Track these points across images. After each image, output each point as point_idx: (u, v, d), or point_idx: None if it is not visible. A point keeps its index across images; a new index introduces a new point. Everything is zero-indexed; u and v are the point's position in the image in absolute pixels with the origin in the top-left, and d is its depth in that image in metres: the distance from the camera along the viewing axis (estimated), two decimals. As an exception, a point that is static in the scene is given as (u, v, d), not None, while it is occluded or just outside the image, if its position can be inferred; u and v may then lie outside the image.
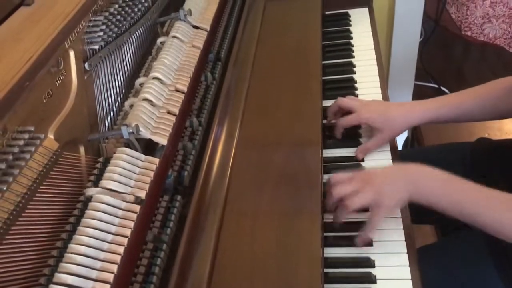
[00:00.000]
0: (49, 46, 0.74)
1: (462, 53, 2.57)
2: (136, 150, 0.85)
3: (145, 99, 0.90)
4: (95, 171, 0.80)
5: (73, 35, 0.80)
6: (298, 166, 0.97)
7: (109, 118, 0.94)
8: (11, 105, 0.64)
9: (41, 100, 0.72)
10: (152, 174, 0.80)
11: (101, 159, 0.82)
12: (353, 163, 1.05)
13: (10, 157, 0.62)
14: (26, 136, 0.65)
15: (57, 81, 0.76)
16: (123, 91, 1.00)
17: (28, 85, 0.67)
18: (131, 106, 0.91)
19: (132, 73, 1.04)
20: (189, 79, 1.02)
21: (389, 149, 1.07)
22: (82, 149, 0.83)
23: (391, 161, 1.06)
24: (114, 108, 0.96)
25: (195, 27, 1.18)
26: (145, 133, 0.86)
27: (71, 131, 0.79)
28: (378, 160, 1.06)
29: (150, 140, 0.86)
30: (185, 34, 1.13)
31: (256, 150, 1.02)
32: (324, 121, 1.11)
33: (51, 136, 0.74)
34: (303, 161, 0.98)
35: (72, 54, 0.80)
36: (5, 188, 0.60)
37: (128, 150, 0.80)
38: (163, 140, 0.87)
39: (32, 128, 0.66)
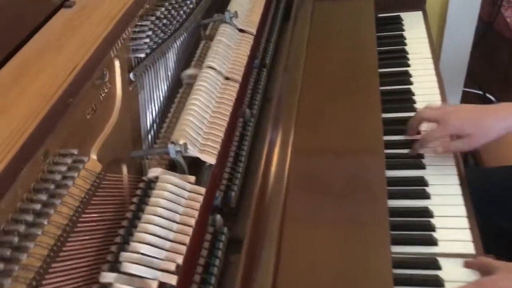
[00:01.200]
0: (94, 55, 0.67)
1: (509, 59, 2.43)
2: (183, 169, 0.78)
3: (196, 101, 0.83)
4: (139, 192, 0.73)
5: (119, 42, 0.72)
6: (360, 178, 0.89)
7: (152, 132, 0.86)
8: (54, 125, 0.56)
9: (84, 116, 0.64)
10: (200, 200, 0.72)
11: (145, 178, 0.74)
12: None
13: (52, 186, 0.54)
14: (69, 160, 0.57)
15: (101, 95, 0.69)
16: (166, 101, 0.92)
17: (72, 102, 0.59)
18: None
19: (176, 82, 0.96)
20: (237, 86, 0.94)
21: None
22: (124, 168, 0.75)
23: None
24: (157, 120, 0.88)
25: (241, 30, 1.10)
26: (192, 151, 0.78)
27: (114, 149, 0.71)
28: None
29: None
30: (231, 38, 1.05)
31: (312, 161, 0.94)
32: (401, 137, 1.02)
33: (94, 156, 0.66)
34: (365, 173, 0.89)
35: (117, 64, 0.72)
36: (46, 223, 0.52)
37: (173, 179, 0.72)
38: (211, 159, 0.79)
39: (75, 151, 0.58)
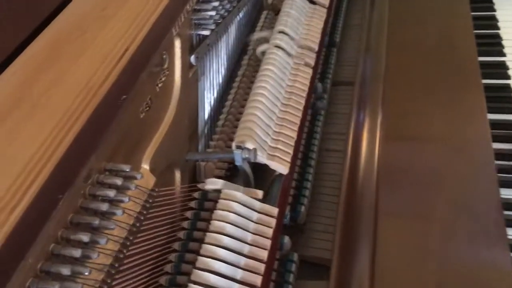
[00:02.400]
0: (152, 32, 0.50)
1: None
2: (248, 180, 0.62)
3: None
4: (193, 204, 0.58)
5: (182, 16, 0.55)
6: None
7: (207, 125, 0.70)
8: (101, 135, 0.41)
9: (137, 115, 0.49)
10: (272, 224, 0.57)
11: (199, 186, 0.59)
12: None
13: (96, 222, 0.39)
14: (119, 181, 0.42)
15: (157, 85, 0.53)
16: (224, 86, 0.76)
17: (125, 99, 0.44)
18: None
19: (235, 63, 0.79)
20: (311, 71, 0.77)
21: None
22: (177, 175, 0.60)
23: None
24: (214, 110, 0.72)
25: (311, 1, 0.92)
26: (261, 158, 0.63)
27: (169, 153, 0.56)
28: None
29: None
30: (300, 10, 0.88)
31: (406, 151, 0.78)
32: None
33: (146, 166, 0.51)
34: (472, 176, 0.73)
35: (177, 44, 0.56)
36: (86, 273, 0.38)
37: (239, 196, 0.56)
38: (283, 168, 0.64)
39: (127, 168, 0.43)
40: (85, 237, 0.37)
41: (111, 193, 0.41)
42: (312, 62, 0.79)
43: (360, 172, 0.74)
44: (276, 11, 0.97)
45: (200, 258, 0.50)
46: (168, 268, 0.52)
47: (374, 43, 0.90)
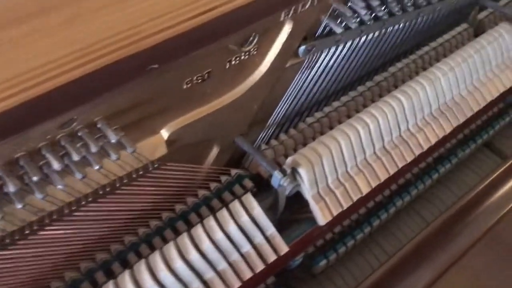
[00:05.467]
0: (251, 7, 0.40)
1: None
2: (276, 207, 0.53)
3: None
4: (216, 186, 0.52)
5: (307, 2, 0.43)
6: None
7: (279, 122, 0.59)
8: (100, 89, 0.35)
9: (178, 84, 0.41)
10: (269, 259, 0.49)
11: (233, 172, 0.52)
12: None
13: (35, 177, 0.34)
14: (93, 147, 0.36)
15: (229, 62, 0.44)
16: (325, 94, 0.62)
17: (152, 69, 0.36)
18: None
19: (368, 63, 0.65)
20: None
21: None
22: (214, 150, 0.53)
23: None
24: (295, 111, 0.60)
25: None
26: (306, 191, 0.52)
27: (213, 130, 0.49)
28: None
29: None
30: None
31: None
32: None
33: (164, 134, 0.44)
34: None
35: (286, 29, 0.45)
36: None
37: (256, 209, 0.48)
38: (321, 218, 0.53)
39: (114, 138, 0.37)
40: (11, 187, 0.33)
41: (75, 155, 0.36)
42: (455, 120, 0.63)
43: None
44: (478, 30, 0.77)
45: (178, 240, 0.45)
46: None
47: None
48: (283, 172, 0.50)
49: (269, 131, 0.58)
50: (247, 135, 0.56)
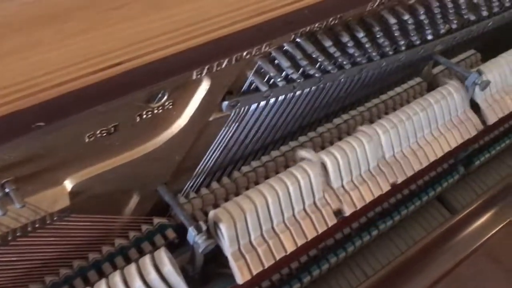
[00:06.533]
0: (156, 65, 0.39)
1: None
2: (195, 260, 0.51)
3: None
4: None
5: (223, 62, 0.42)
6: None
7: (206, 172, 0.58)
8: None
9: (79, 138, 0.40)
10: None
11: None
12: None
13: None
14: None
15: (139, 116, 0.42)
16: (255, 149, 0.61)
17: (38, 127, 0.35)
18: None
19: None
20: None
21: None
22: (134, 199, 0.52)
23: None
24: (222, 163, 0.59)
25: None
26: (226, 247, 0.50)
27: (128, 179, 0.48)
28: None
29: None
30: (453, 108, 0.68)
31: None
32: None
33: (68, 186, 0.43)
34: None
35: (205, 86, 0.44)
36: None
37: (167, 266, 0.46)
38: (239, 276, 0.51)
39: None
40: None
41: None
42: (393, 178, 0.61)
43: None
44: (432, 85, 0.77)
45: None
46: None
47: None
48: (198, 229, 0.48)
49: (199, 179, 0.57)
50: (174, 183, 0.55)
